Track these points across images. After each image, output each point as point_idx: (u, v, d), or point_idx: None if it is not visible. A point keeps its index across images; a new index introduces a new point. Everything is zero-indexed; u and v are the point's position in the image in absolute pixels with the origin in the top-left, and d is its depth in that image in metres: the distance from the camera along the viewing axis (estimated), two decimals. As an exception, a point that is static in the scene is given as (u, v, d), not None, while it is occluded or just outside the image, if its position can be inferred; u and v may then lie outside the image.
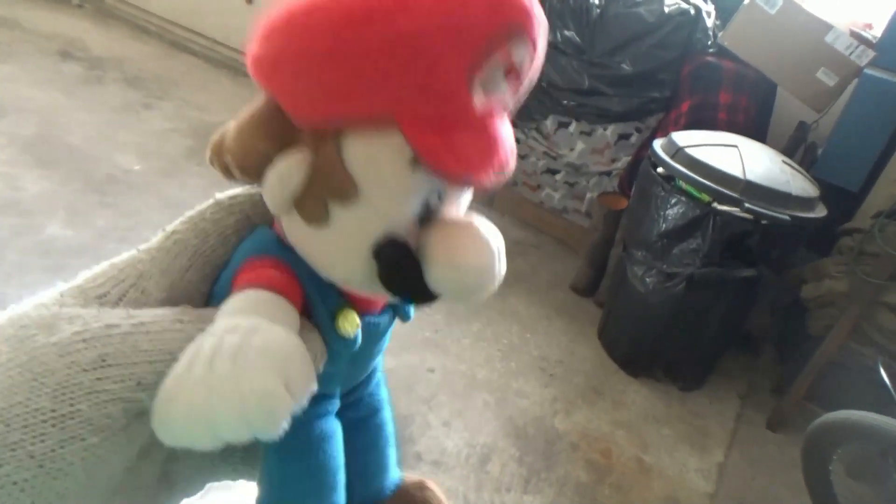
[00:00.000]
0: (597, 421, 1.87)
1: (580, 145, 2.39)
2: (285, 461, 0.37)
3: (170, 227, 0.37)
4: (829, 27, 1.85)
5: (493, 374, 1.95)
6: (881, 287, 1.71)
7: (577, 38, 2.21)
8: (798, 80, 1.95)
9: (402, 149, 0.31)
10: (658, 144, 1.87)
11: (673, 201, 1.76)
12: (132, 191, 2.31)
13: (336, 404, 0.41)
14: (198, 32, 3.59)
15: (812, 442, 1.52)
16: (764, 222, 1.65)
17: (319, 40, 0.30)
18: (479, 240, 0.35)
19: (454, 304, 0.38)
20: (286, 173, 0.32)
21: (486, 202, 2.78)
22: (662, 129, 2.21)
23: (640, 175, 1.96)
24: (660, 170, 1.81)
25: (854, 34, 1.86)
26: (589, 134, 2.36)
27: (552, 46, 2.27)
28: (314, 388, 0.31)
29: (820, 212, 1.74)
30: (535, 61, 0.34)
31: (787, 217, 1.63)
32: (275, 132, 0.33)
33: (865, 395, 1.84)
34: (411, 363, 1.89)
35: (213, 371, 0.27)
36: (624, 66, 2.18)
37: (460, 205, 0.38)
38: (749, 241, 1.68)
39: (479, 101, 0.32)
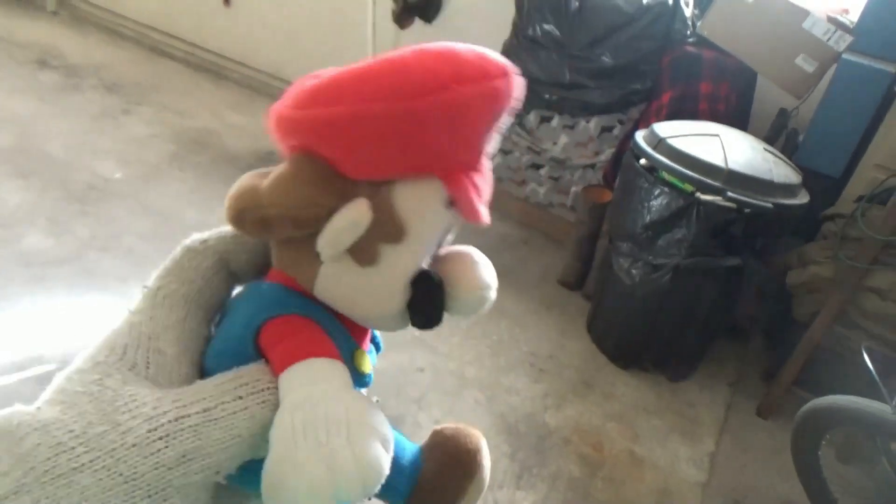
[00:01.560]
0: (588, 414, 1.87)
1: (563, 139, 2.39)
2: None
3: (152, 285, 0.38)
4: (806, 13, 1.86)
5: (483, 371, 1.94)
6: (865, 271, 1.72)
7: (557, 32, 2.20)
8: (777, 68, 1.95)
9: (441, 192, 0.37)
10: (640, 136, 1.86)
11: (656, 192, 1.76)
12: (113, 199, 2.29)
13: None
14: (175, 36, 3.56)
15: (801, 428, 1.52)
16: (747, 210, 1.65)
17: (388, 106, 0.33)
18: (485, 263, 0.42)
19: (458, 316, 0.42)
20: (355, 220, 0.35)
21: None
22: (644, 121, 2.21)
23: (623, 167, 1.95)
24: (642, 161, 1.81)
25: (831, 20, 1.86)
26: (572, 127, 2.35)
27: (532, 41, 2.27)
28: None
29: (803, 198, 1.75)
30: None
31: (769, 205, 1.63)
32: (333, 186, 0.35)
33: (854, 379, 1.84)
34: (400, 363, 1.88)
35: (328, 446, 0.31)
36: (604, 58, 2.17)
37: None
38: (733, 229, 1.69)
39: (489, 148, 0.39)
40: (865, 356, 1.26)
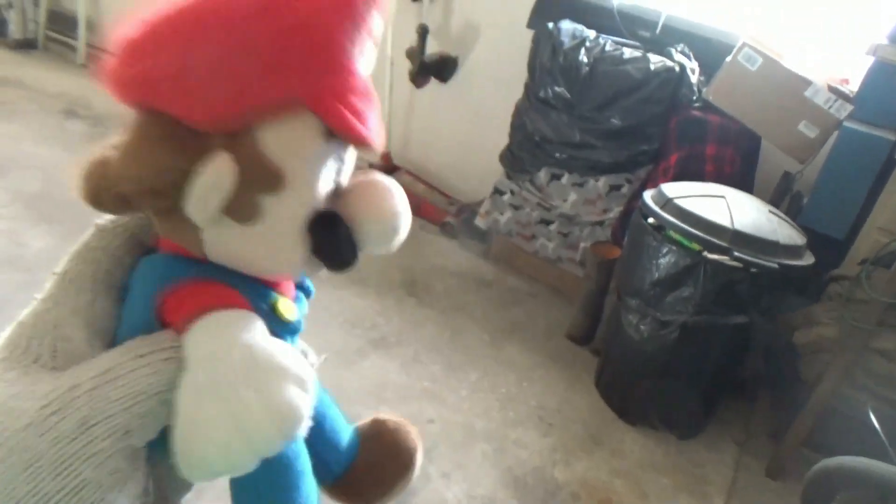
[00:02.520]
0: (596, 470, 1.87)
1: (573, 196, 2.45)
2: None
3: (59, 269, 0.37)
4: (808, 83, 1.94)
5: (492, 423, 1.95)
6: (871, 333, 1.74)
7: (568, 94, 2.29)
8: (781, 133, 2.02)
9: (315, 124, 0.33)
10: (648, 196, 1.92)
11: (664, 251, 1.80)
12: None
13: None
14: (199, 90, 3.69)
15: (810, 489, 1.52)
16: (753, 270, 1.69)
17: (219, 43, 0.30)
18: (391, 189, 0.38)
19: (376, 252, 0.38)
20: (217, 180, 0.32)
21: (482, 253, 2.82)
22: (652, 181, 2.27)
23: (631, 225, 2.01)
24: (650, 220, 1.86)
25: (832, 89, 1.94)
26: (581, 185, 2.42)
27: (543, 102, 2.35)
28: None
29: (807, 259, 1.79)
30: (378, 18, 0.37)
31: (775, 265, 1.67)
32: (184, 145, 0.32)
33: (862, 440, 1.85)
34: (410, 413, 1.89)
35: (236, 400, 0.28)
36: (613, 120, 2.25)
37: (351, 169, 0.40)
38: (739, 288, 1.72)
39: (358, 65, 0.35)
40: (872, 417, 1.28)
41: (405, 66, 2.80)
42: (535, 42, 2.39)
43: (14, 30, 3.93)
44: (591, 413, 2.08)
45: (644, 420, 2.05)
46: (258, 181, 0.33)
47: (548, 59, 2.31)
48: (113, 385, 0.29)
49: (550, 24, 2.34)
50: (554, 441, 1.94)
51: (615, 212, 2.41)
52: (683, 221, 1.76)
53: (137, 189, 0.32)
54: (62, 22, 4.01)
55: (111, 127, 3.19)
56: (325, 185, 0.36)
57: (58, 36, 4.06)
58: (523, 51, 2.46)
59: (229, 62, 0.30)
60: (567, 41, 2.28)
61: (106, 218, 0.39)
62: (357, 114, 0.34)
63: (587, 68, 2.23)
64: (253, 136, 0.32)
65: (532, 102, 2.40)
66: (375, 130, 0.35)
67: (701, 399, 1.99)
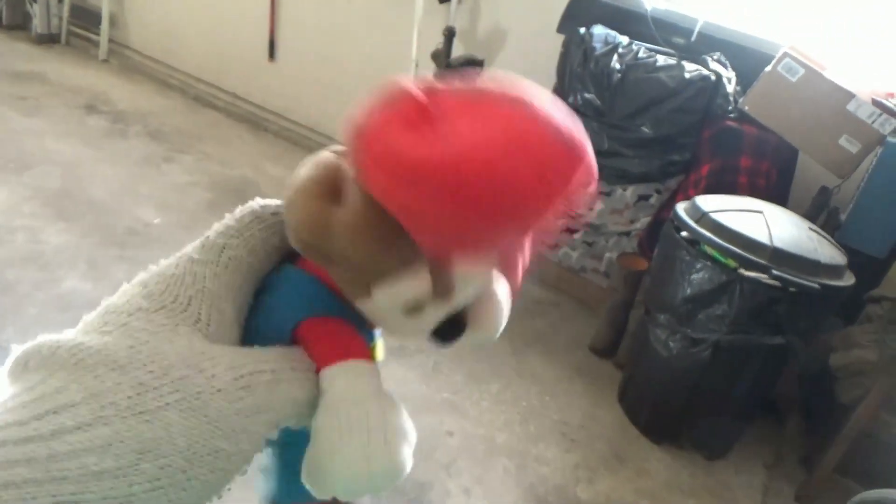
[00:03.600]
0: (620, 490, 1.81)
1: (599, 205, 2.39)
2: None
3: (214, 238, 0.37)
4: (851, 95, 1.87)
5: (513, 438, 1.90)
6: (913, 357, 1.67)
7: (598, 101, 2.23)
8: (820, 147, 1.95)
9: (495, 263, 0.38)
10: (681, 208, 1.86)
11: (698, 266, 1.74)
12: (151, 244, 2.32)
13: None
14: (220, 88, 3.67)
15: (849, 520, 1.46)
16: (792, 290, 1.63)
17: (480, 213, 0.32)
18: (506, 305, 0.42)
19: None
20: (418, 299, 0.36)
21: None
22: (682, 192, 2.21)
23: (662, 238, 1.94)
24: (684, 234, 1.80)
25: (876, 102, 1.87)
26: (608, 194, 2.36)
27: (573, 108, 2.29)
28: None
29: (848, 280, 1.72)
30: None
31: (816, 285, 1.61)
32: (403, 252, 0.34)
33: (898, 468, 1.78)
34: (430, 425, 1.84)
35: (370, 445, 0.34)
36: (644, 129, 2.19)
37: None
38: (777, 308, 1.66)
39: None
40: None
41: (430, 68, 2.75)
42: (566, 47, 2.33)
43: (38, 24, 3.93)
44: (614, 430, 2.03)
45: (670, 439, 1.98)
46: (438, 297, 0.37)
47: (578, 65, 2.26)
48: (281, 386, 0.34)
49: (582, 29, 2.28)
50: (577, 458, 1.89)
51: (642, 222, 2.35)
52: (719, 236, 1.70)
53: (345, 260, 0.35)
54: (85, 17, 4.00)
55: (132, 123, 3.18)
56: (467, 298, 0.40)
57: (81, 31, 4.06)
58: (552, 55, 2.41)
59: (470, 221, 0.32)
60: (599, 47, 2.22)
61: (262, 205, 0.40)
62: (524, 261, 0.40)
63: (619, 75, 2.17)
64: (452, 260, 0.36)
65: (560, 109, 2.34)
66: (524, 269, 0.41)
67: (731, 420, 1.92)
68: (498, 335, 0.43)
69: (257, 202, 0.40)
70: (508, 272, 0.39)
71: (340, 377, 0.37)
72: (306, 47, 3.34)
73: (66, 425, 0.27)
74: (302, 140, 3.44)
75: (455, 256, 0.35)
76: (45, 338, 0.30)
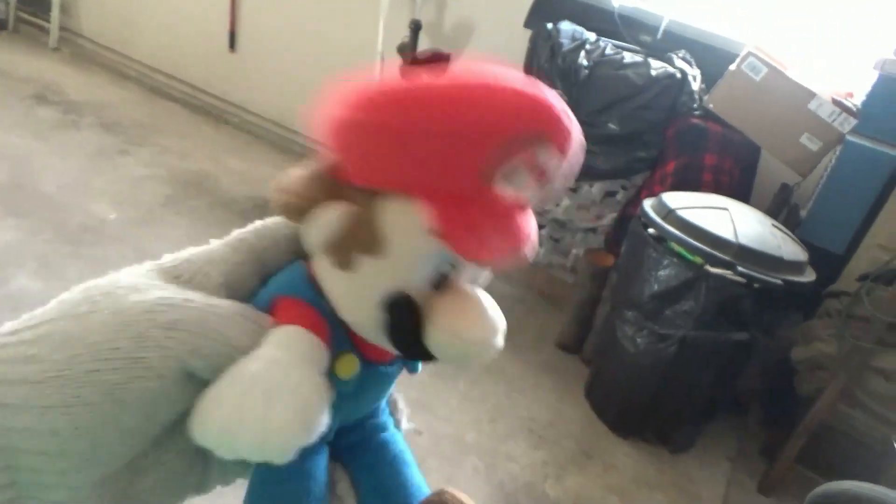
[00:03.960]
0: (589, 486, 1.82)
1: (566, 201, 2.39)
2: (266, 484, 0.41)
3: (241, 233, 0.42)
4: (812, 95, 1.90)
5: (482, 436, 1.89)
6: (870, 351, 1.71)
7: (565, 97, 2.21)
8: (782, 145, 1.98)
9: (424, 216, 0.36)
10: (648, 205, 1.87)
11: (665, 263, 1.75)
12: (106, 241, 2.24)
13: (327, 438, 0.45)
14: (178, 78, 3.56)
15: (811, 512, 1.48)
16: (756, 286, 1.65)
17: (403, 120, 0.34)
18: (483, 315, 0.39)
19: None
20: (328, 222, 0.37)
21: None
22: (648, 188, 2.22)
23: (630, 235, 1.95)
24: (650, 231, 1.81)
25: (836, 102, 1.91)
26: (575, 190, 2.36)
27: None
28: (324, 429, 0.36)
29: (810, 276, 1.75)
30: (564, 165, 0.38)
31: (779, 281, 1.63)
32: (324, 184, 0.38)
33: (855, 459, 1.83)
34: (398, 425, 1.82)
35: (247, 397, 0.33)
36: (610, 125, 2.20)
37: (475, 276, 0.41)
38: (742, 304, 1.68)
39: (502, 192, 0.36)
40: None
41: (396, 61, 2.72)
42: (533, 42, 2.32)
43: (-17, 9, 3.75)
44: (581, 426, 2.03)
45: (636, 433, 2.00)
46: (360, 239, 0.37)
47: (546, 61, 2.25)
48: (214, 318, 0.35)
49: (550, 25, 2.27)
50: (545, 455, 1.89)
51: (609, 218, 2.36)
52: (686, 233, 1.72)
53: (277, 201, 0.38)
54: (34, 3, 3.84)
55: (84, 115, 3.06)
56: (418, 276, 0.38)
57: (30, 17, 3.89)
58: (519, 51, 2.40)
59: (395, 139, 0.34)
60: (567, 43, 2.22)
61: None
62: (477, 232, 0.36)
63: (586, 71, 2.17)
64: (380, 202, 0.36)
65: (527, 104, 2.33)
66: (502, 254, 0.38)
67: (696, 414, 1.95)
68: (471, 352, 0.39)
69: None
70: (444, 231, 0.36)
71: (277, 336, 0.37)
72: (269, 38, 3.26)
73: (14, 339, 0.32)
74: (264, 133, 3.36)
75: (380, 187, 0.36)
76: None
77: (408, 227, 0.36)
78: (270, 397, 0.33)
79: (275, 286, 0.41)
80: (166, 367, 0.33)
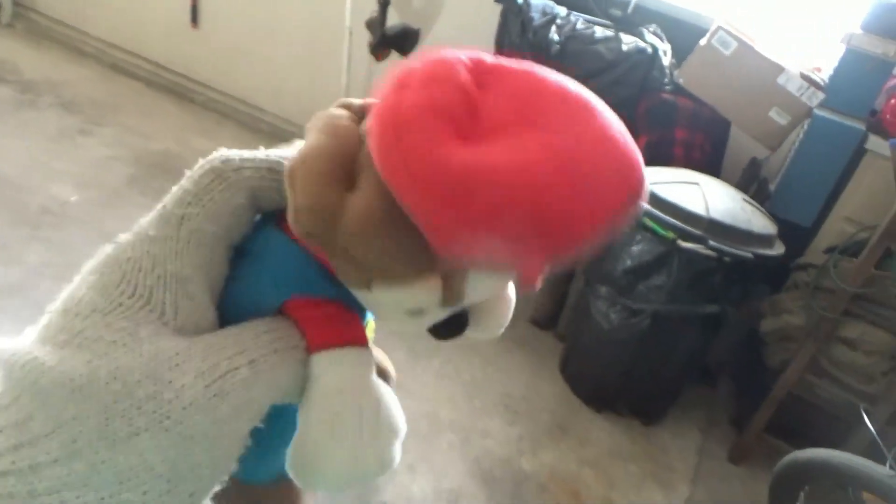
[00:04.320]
0: (564, 460, 1.84)
1: (538, 178, 2.39)
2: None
3: (172, 209, 0.32)
4: (780, 69, 1.91)
5: (457, 413, 1.89)
6: (836, 322, 1.75)
7: (536, 73, 2.21)
8: (751, 119, 2.00)
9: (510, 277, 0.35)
10: (620, 180, 1.87)
11: (637, 238, 1.76)
12: (68, 224, 2.17)
13: None
14: (139, 55, 3.45)
15: (780, 479, 1.52)
16: (727, 260, 1.67)
17: (510, 221, 0.28)
18: (511, 304, 0.41)
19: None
20: (425, 306, 0.33)
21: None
22: (620, 164, 2.23)
23: (602, 210, 1.96)
24: (623, 206, 1.81)
25: (804, 76, 1.92)
26: (547, 167, 2.36)
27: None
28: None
29: (779, 249, 1.78)
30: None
31: (750, 255, 1.65)
32: (418, 259, 0.30)
33: (823, 427, 1.88)
34: (373, 405, 1.82)
35: (360, 445, 0.33)
36: (582, 101, 2.19)
37: None
38: (712, 278, 1.70)
39: None
40: (865, 417, 1.27)
41: (364, 37, 2.66)
42: (504, 17, 2.30)
43: (-71, -18, 3.58)
44: (557, 401, 2.05)
45: (610, 407, 2.03)
46: (445, 298, 0.33)
47: (517, 36, 2.23)
48: (260, 378, 0.31)
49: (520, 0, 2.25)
50: (520, 430, 1.90)
51: (581, 195, 2.36)
52: (658, 209, 1.73)
53: (351, 261, 0.31)
54: (-15, -24, 3.68)
55: (42, 94, 2.95)
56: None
57: (-20, -9, 3.73)
58: (490, 25, 2.37)
59: (511, 248, 0.29)
60: (537, 17, 2.19)
61: (224, 160, 0.34)
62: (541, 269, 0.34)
63: (558, 46, 2.15)
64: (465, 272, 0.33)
65: (499, 80, 2.31)
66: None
67: (668, 386, 1.98)
68: (501, 332, 0.41)
69: (219, 155, 0.34)
70: (526, 286, 0.34)
71: (335, 366, 0.34)
72: (233, 13, 3.16)
73: (41, 461, 0.25)
74: (231, 112, 3.28)
75: (473, 268, 0.32)
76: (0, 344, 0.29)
77: (487, 286, 0.35)
78: (377, 436, 0.34)
79: (276, 282, 0.35)
80: (242, 444, 0.32)
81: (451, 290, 0.32)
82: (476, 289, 0.34)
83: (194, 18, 3.25)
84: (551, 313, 2.34)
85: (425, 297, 0.32)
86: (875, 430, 1.24)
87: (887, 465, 1.20)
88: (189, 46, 3.30)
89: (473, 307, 0.37)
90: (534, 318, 2.36)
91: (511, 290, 0.41)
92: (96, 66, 3.44)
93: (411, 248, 0.29)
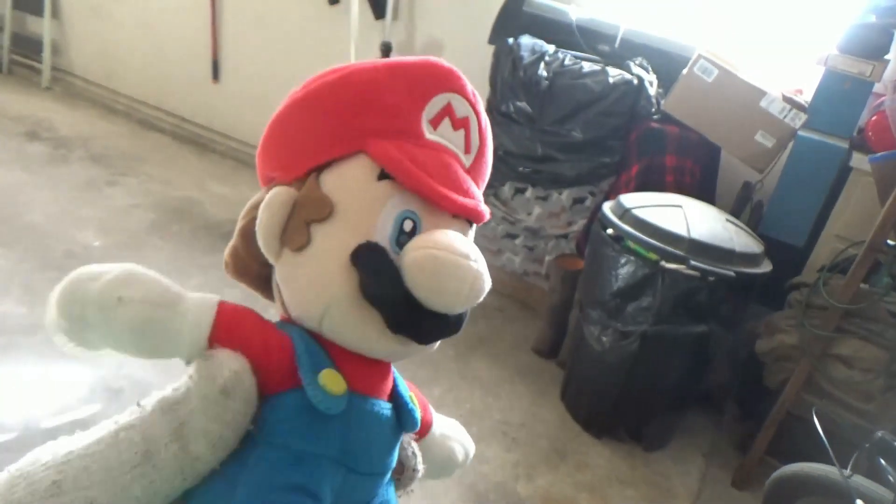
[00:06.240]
0: (560, 484, 1.84)
1: (537, 210, 2.45)
2: None
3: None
4: (763, 93, 1.96)
5: (455, 440, 1.91)
6: (830, 339, 1.74)
7: (529, 109, 2.30)
8: (738, 143, 2.03)
9: (370, 166, 0.40)
10: (607, 206, 1.92)
11: (623, 261, 1.80)
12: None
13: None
14: (164, 110, 3.67)
15: (770, 496, 1.51)
16: (711, 279, 1.69)
17: (306, 114, 0.45)
18: (453, 234, 0.43)
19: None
20: (271, 202, 0.40)
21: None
22: (614, 192, 2.27)
23: (591, 237, 2.00)
24: (609, 231, 1.86)
25: (787, 99, 1.96)
26: (545, 199, 2.42)
27: (506, 116, 2.36)
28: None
29: (765, 267, 1.79)
30: (479, 123, 0.50)
31: (731, 273, 1.67)
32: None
33: (823, 447, 1.84)
34: (371, 432, 1.85)
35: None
36: (574, 133, 2.26)
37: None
38: (698, 297, 1.71)
39: (430, 134, 0.44)
40: (815, 419, 1.27)
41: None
42: (496, 57, 2.40)
43: (-22, 53, 3.89)
44: (556, 427, 2.06)
45: (610, 433, 2.02)
46: (310, 209, 0.40)
47: (508, 74, 2.32)
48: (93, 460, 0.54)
49: (510, 40, 2.35)
50: (517, 455, 1.91)
51: (579, 224, 2.41)
52: (641, 231, 1.76)
53: (238, 227, 0.44)
54: (27, 45, 3.97)
55: (74, 148, 3.15)
56: (378, 228, 0.40)
57: (23, 59, 4.02)
58: (485, 66, 2.47)
59: (309, 125, 0.45)
60: (527, 56, 2.29)
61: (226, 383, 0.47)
62: (417, 160, 0.41)
63: (547, 82, 2.24)
64: (319, 175, 0.42)
65: (494, 117, 2.40)
66: (446, 186, 0.43)
67: (665, 410, 1.97)
68: (465, 292, 0.40)
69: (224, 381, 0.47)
70: (391, 168, 0.41)
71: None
72: (251, 68, 3.36)
73: None
74: (248, 158, 3.45)
75: (319, 162, 0.42)
76: None
77: (351, 179, 0.40)
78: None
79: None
80: None
81: (305, 191, 0.41)
82: (336, 185, 0.41)
83: (215, 74, 3.45)
84: (553, 342, 2.36)
85: (279, 198, 0.40)
86: (866, 444, 1.22)
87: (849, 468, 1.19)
88: (210, 100, 3.50)
89: (403, 263, 0.41)
90: (536, 347, 2.39)
91: (451, 264, 0.42)
92: (125, 122, 3.67)
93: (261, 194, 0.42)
